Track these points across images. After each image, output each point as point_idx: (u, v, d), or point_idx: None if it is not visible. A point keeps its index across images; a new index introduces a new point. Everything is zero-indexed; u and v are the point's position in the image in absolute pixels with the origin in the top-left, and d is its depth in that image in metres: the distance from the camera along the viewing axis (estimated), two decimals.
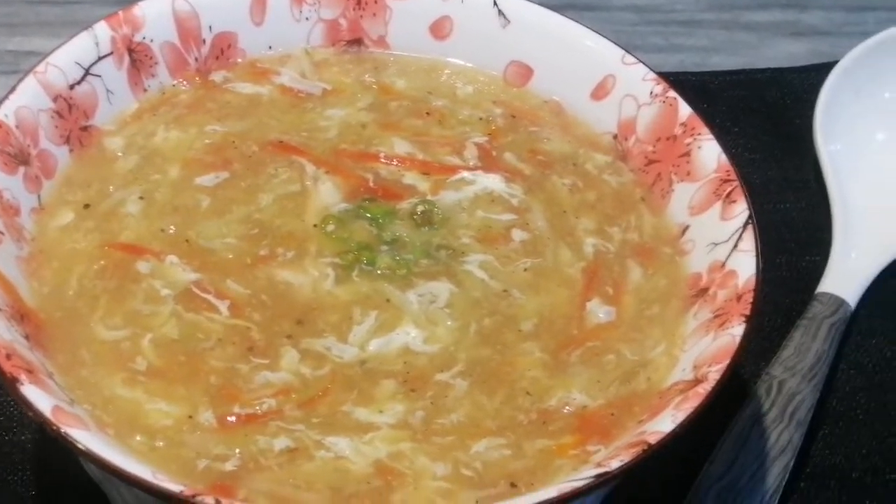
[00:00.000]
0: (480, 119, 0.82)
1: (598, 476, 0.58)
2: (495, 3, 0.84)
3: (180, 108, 0.79)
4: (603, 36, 0.82)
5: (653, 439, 0.59)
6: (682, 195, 0.75)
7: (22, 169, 0.70)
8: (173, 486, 0.55)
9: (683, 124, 0.77)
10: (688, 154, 0.76)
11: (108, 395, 0.63)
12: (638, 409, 0.65)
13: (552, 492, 0.57)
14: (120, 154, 0.76)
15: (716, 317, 0.67)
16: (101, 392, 0.63)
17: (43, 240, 0.70)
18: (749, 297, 0.66)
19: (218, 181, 0.75)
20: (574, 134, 0.82)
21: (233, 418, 0.63)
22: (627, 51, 0.81)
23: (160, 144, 0.77)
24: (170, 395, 0.64)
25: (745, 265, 0.68)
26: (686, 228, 0.74)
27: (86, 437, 0.56)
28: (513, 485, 0.62)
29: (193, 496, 0.54)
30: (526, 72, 0.84)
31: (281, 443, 0.62)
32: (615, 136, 0.81)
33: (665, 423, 0.60)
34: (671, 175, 0.77)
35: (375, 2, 0.84)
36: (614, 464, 0.58)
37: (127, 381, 0.64)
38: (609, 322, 0.70)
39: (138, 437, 0.62)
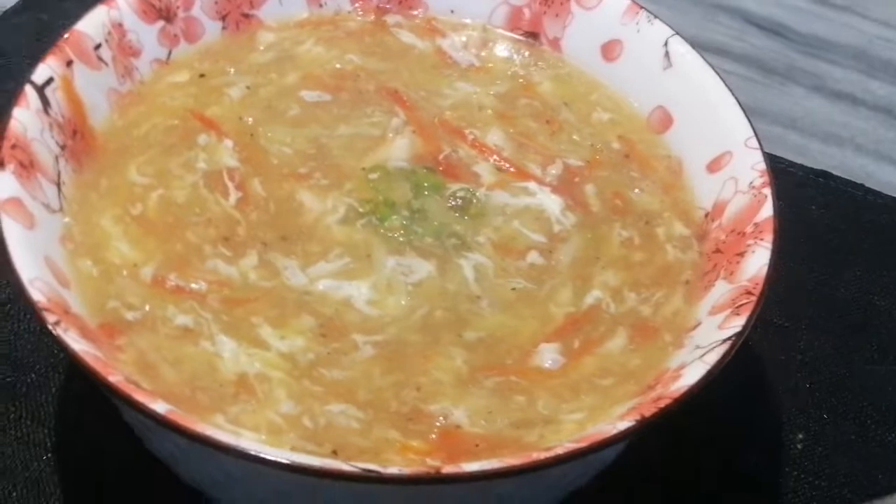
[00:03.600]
0: (591, 146, 0.79)
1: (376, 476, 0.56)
2: (666, 44, 0.80)
3: (340, 32, 0.85)
4: (744, 112, 0.76)
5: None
6: (717, 293, 0.69)
7: (161, 23, 0.79)
8: (47, 315, 0.60)
9: (756, 224, 0.70)
10: (742, 254, 0.69)
11: (92, 220, 0.70)
12: (505, 454, 0.62)
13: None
14: (262, 48, 0.83)
15: (628, 412, 0.61)
16: (90, 216, 0.70)
17: (151, 86, 0.78)
18: (663, 403, 0.60)
19: (318, 100, 0.80)
20: (672, 196, 0.77)
21: (168, 284, 0.68)
22: (756, 135, 0.74)
23: (300, 53, 0.83)
24: (136, 242, 0.69)
25: (692, 374, 0.62)
26: (697, 325, 0.68)
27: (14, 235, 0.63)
28: (334, 452, 0.62)
29: (56, 322, 0.60)
30: (667, 120, 0.80)
31: (183, 319, 0.66)
32: (706, 214, 0.75)
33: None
34: (721, 270, 0.70)
35: (562, 3, 0.84)
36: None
37: (116, 217, 0.70)
38: (549, 370, 0.67)
39: (88, 261, 0.68)
